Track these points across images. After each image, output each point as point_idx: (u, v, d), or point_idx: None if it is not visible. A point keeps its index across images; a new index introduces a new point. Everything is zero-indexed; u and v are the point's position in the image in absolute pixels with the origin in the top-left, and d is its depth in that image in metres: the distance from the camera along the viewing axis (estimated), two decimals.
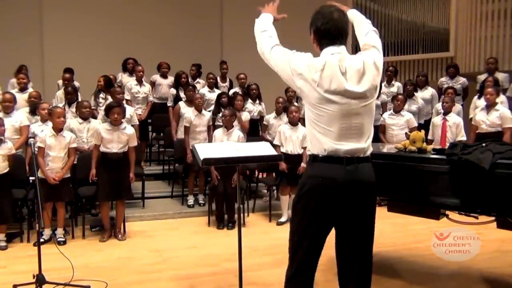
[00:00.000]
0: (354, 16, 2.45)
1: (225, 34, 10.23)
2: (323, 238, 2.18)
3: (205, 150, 3.02)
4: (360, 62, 2.13)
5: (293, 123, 5.59)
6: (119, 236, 4.92)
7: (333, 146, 2.09)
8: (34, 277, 3.26)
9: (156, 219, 5.71)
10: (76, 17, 9.20)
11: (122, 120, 4.96)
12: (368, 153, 2.18)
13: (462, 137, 6.00)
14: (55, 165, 4.72)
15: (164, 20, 9.82)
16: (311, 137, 2.18)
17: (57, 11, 9.17)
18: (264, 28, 2.28)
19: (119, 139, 4.85)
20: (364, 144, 2.14)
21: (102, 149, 4.85)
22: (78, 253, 4.36)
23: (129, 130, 4.95)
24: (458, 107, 6.74)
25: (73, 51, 8.78)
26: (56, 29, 9.13)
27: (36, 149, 4.10)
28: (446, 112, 6.10)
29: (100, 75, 6.85)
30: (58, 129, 4.75)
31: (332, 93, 2.06)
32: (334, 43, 2.15)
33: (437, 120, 6.18)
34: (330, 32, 2.14)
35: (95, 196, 5.06)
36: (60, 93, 6.76)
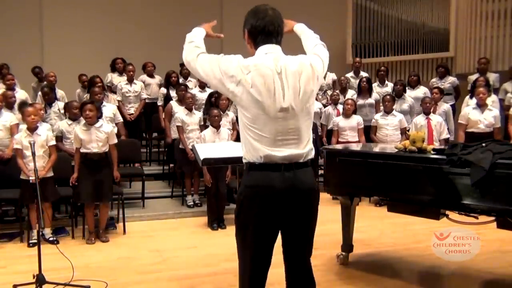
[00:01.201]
0: (302, 31, 2.37)
1: (225, 34, 10.21)
2: (270, 249, 2.11)
3: (205, 150, 3.03)
4: (296, 63, 2.05)
5: None
6: (103, 238, 4.82)
7: (269, 152, 1.98)
8: (34, 277, 3.26)
9: (156, 219, 5.71)
10: (76, 16, 9.22)
11: (100, 119, 4.88)
12: (309, 157, 2.08)
13: (447, 135, 6.24)
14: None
15: (164, 18, 9.84)
16: (245, 144, 2.05)
17: (56, 8, 9.18)
18: (191, 40, 2.17)
19: (98, 138, 4.74)
20: (303, 150, 2.04)
21: (82, 150, 4.74)
22: (78, 253, 4.35)
23: (106, 128, 4.85)
24: (445, 106, 6.81)
25: (73, 49, 8.79)
26: (56, 24, 9.13)
27: (14, 152, 4.07)
28: (427, 112, 6.22)
29: (97, 72, 6.88)
30: (31, 129, 4.65)
31: (266, 94, 1.96)
32: (269, 41, 2.06)
33: (419, 120, 6.25)
34: (266, 28, 2.05)
35: (70, 197, 5.00)
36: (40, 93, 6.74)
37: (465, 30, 8.89)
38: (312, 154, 2.11)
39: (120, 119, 6.23)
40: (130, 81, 7.04)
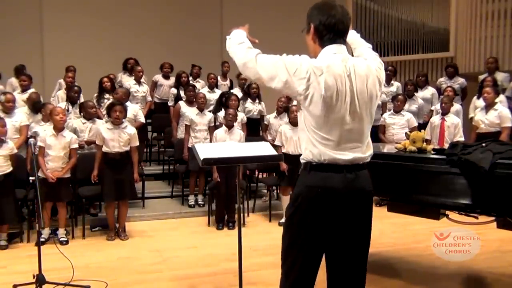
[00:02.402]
0: (354, 39, 2.31)
1: (225, 34, 10.21)
2: (321, 253, 2.03)
3: (205, 150, 3.02)
4: (364, 65, 2.01)
5: (294, 123, 5.58)
6: (122, 236, 4.92)
7: (334, 156, 1.94)
8: (34, 277, 3.27)
9: (156, 219, 5.71)
10: (76, 18, 9.22)
11: (124, 120, 4.96)
12: (367, 160, 2.05)
13: (460, 137, 5.97)
14: (54, 164, 4.72)
15: (164, 20, 9.83)
16: (308, 145, 1.99)
17: (57, 11, 9.18)
18: (242, 40, 2.06)
19: (120, 138, 4.85)
20: (365, 154, 2.01)
21: (104, 149, 4.85)
22: (78, 253, 4.35)
23: (130, 130, 4.95)
24: (456, 107, 6.75)
25: (73, 51, 8.78)
26: (56, 29, 9.15)
27: (37, 148, 4.11)
28: (445, 112, 6.09)
29: (100, 76, 6.85)
30: (58, 129, 4.75)
31: (338, 97, 1.90)
32: (336, 41, 1.98)
33: (435, 120, 6.17)
34: (336, 27, 1.95)
35: (94, 196, 5.06)
36: (61, 92, 6.76)
37: (465, 30, 8.89)
38: (370, 157, 2.07)
39: (142, 119, 6.30)
40: (138, 81, 7.08)
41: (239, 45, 2.05)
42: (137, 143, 5.02)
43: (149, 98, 7.20)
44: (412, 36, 9.80)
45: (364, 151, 2.02)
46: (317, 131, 1.94)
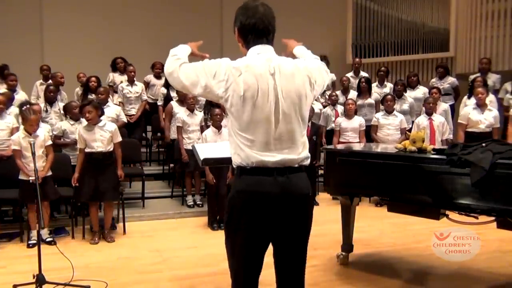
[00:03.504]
0: (301, 54, 2.24)
1: (225, 35, 10.23)
2: (261, 256, 2.03)
3: (205, 150, 3.02)
4: (291, 64, 1.96)
5: None
6: (108, 238, 4.83)
7: (261, 158, 1.89)
8: (34, 277, 3.26)
9: (156, 219, 5.71)
10: (76, 17, 9.23)
11: (103, 119, 4.87)
12: (303, 164, 1.98)
13: (449, 135, 6.26)
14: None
15: (164, 20, 9.83)
16: (235, 149, 1.95)
17: (57, 11, 9.19)
18: (175, 53, 2.03)
19: (102, 136, 4.75)
20: (297, 156, 1.95)
21: (87, 150, 4.75)
22: (78, 253, 4.36)
23: (110, 127, 4.84)
24: (444, 106, 6.83)
25: (73, 51, 8.79)
26: (56, 29, 9.15)
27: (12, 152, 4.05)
28: (429, 112, 6.21)
29: (98, 74, 6.87)
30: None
31: (260, 96, 1.86)
32: (261, 41, 1.95)
33: (422, 120, 6.24)
34: (256, 26, 1.93)
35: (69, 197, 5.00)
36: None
37: (465, 30, 8.89)
38: (307, 162, 2.01)
39: (124, 119, 6.28)
40: (131, 82, 7.04)
41: (171, 57, 2.03)
42: (120, 139, 4.93)
43: (144, 97, 7.13)
44: (412, 36, 9.80)
45: (298, 153, 1.95)
46: (242, 133, 1.91)
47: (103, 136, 4.76)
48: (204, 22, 10.04)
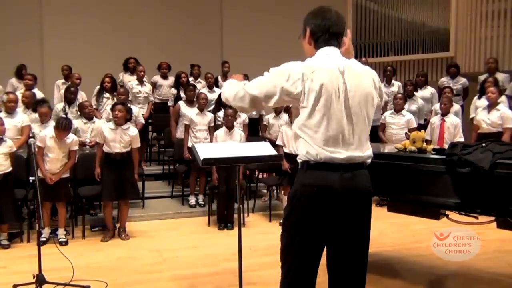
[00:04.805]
0: None
1: (225, 35, 10.24)
2: (320, 254, 2.02)
3: (205, 150, 3.02)
4: (359, 65, 2.05)
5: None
6: (123, 236, 4.92)
7: (328, 154, 1.93)
8: (34, 277, 3.27)
9: (156, 219, 5.71)
10: (76, 18, 9.22)
11: (128, 122, 4.98)
12: (368, 161, 2.05)
13: (460, 138, 5.96)
14: (53, 166, 4.71)
15: (164, 21, 9.83)
16: (302, 145, 1.99)
17: (57, 12, 9.18)
18: (229, 83, 2.13)
19: (122, 139, 4.85)
20: (362, 153, 2.00)
21: (105, 148, 4.86)
22: (78, 253, 4.36)
23: (132, 132, 4.96)
24: (456, 107, 6.76)
25: (73, 52, 8.78)
26: (56, 30, 9.14)
27: (36, 148, 4.10)
28: (444, 113, 6.10)
29: (99, 75, 6.87)
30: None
31: (332, 93, 1.91)
32: (331, 43, 2.03)
33: (435, 120, 6.17)
34: (330, 29, 2.01)
35: (94, 196, 5.07)
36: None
37: (465, 30, 8.89)
38: (369, 161, 2.06)
39: (142, 120, 6.35)
40: (141, 82, 7.08)
41: (227, 85, 2.12)
42: (139, 145, 5.04)
43: (151, 98, 7.22)
44: (412, 36, 9.80)
45: (362, 150, 2.00)
46: (312, 129, 1.95)
47: (123, 139, 4.85)
48: (205, 24, 10.05)
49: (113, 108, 4.96)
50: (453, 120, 6.03)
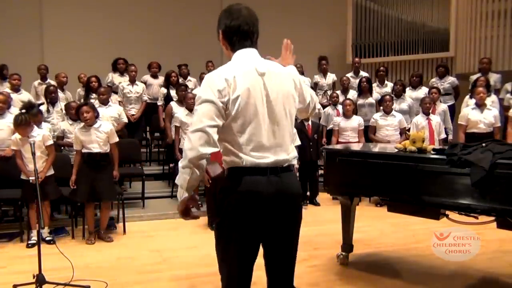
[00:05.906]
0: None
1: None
2: (254, 259, 2.01)
3: None
4: (278, 66, 2.00)
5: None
6: (105, 238, 4.83)
7: (255, 160, 1.89)
8: (34, 277, 3.26)
9: (156, 219, 5.71)
10: (76, 15, 9.24)
11: (97, 119, 4.82)
12: (292, 163, 2.01)
13: (443, 135, 6.34)
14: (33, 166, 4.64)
15: (164, 18, 9.86)
16: (227, 152, 1.93)
17: (57, 8, 9.20)
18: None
19: (98, 138, 4.74)
20: (288, 156, 1.97)
21: (84, 150, 4.75)
22: (78, 253, 4.36)
23: (106, 128, 4.82)
24: (443, 106, 6.83)
25: (73, 49, 8.80)
26: (56, 26, 9.16)
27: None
28: (426, 112, 6.24)
29: (98, 74, 6.88)
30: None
31: (252, 97, 1.86)
32: (246, 43, 1.96)
33: (420, 120, 6.25)
34: (241, 28, 1.94)
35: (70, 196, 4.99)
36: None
37: (465, 30, 8.89)
38: (295, 162, 2.04)
39: (125, 119, 6.26)
40: (132, 82, 7.04)
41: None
42: (116, 139, 4.92)
43: (145, 98, 7.13)
44: (412, 36, 9.80)
45: (288, 152, 1.98)
46: (236, 135, 1.89)
47: (99, 137, 4.76)
48: (204, 23, 10.00)
49: (78, 111, 4.80)
50: (437, 119, 6.31)
